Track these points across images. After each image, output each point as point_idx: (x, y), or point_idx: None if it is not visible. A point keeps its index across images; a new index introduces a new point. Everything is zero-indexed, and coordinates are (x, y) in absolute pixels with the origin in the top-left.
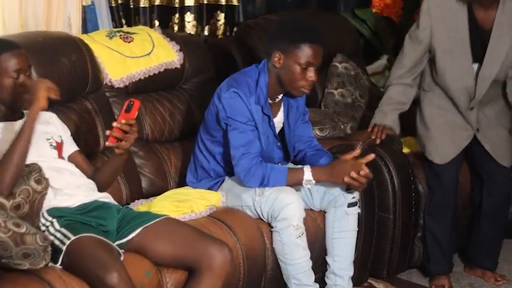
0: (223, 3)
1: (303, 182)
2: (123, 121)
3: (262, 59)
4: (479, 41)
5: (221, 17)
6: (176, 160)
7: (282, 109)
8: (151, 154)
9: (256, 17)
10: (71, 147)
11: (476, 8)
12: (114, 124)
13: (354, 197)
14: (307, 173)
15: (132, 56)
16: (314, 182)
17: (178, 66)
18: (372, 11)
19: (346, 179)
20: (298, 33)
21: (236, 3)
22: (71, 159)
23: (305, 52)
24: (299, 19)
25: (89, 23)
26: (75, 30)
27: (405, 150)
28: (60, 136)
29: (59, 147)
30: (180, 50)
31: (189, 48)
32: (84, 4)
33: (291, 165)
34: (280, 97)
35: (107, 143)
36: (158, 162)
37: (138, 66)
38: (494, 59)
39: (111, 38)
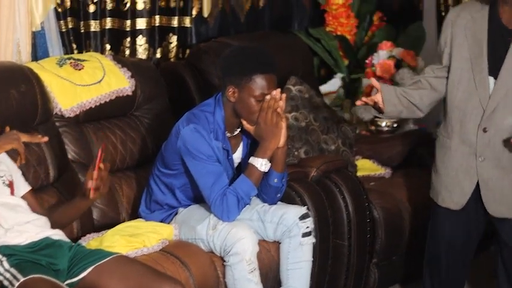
0: (176, 26)
1: (262, 170)
2: (101, 165)
3: (214, 83)
4: (502, 46)
5: (173, 39)
6: (128, 190)
7: (242, 145)
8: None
9: (209, 39)
10: (23, 188)
11: (502, 5)
12: (95, 175)
13: (308, 227)
14: (256, 162)
15: (82, 85)
16: (266, 160)
17: (130, 93)
18: (326, 30)
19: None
20: (249, 65)
21: (188, 25)
22: (25, 199)
23: (258, 84)
24: (249, 49)
25: (39, 49)
26: (25, 57)
27: (360, 173)
28: (11, 175)
29: (11, 185)
30: (132, 76)
31: (140, 75)
32: (33, 30)
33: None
34: (238, 130)
35: (92, 196)
36: (110, 192)
37: (88, 95)
38: None
39: (61, 65)
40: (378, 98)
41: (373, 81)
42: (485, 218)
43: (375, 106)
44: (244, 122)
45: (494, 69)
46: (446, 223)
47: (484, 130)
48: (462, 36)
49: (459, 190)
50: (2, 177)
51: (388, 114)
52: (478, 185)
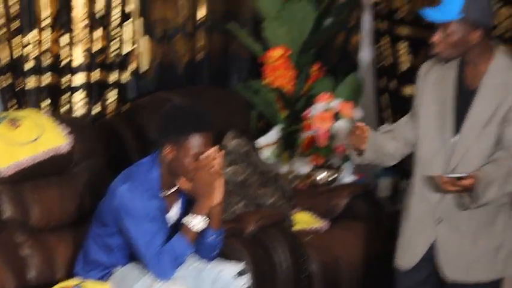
0: (114, 81)
1: (197, 228)
2: None
3: (152, 139)
4: (465, 106)
5: (112, 94)
6: (65, 248)
7: (178, 203)
8: (39, 243)
9: (148, 93)
10: None
11: (467, 64)
12: None
13: (245, 284)
14: (192, 220)
15: (18, 143)
16: (202, 217)
17: (67, 150)
18: (264, 82)
19: (211, 185)
20: (185, 125)
21: (127, 80)
22: None
23: (195, 143)
24: (184, 108)
25: None
26: None
27: (298, 227)
28: None
29: None
30: (70, 133)
31: (78, 131)
32: None
33: None
34: (174, 189)
35: None
36: (46, 251)
37: (25, 153)
38: (472, 126)
39: None
40: (362, 141)
41: (359, 125)
42: (437, 280)
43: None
44: (180, 181)
45: (457, 129)
46: (401, 283)
47: None
48: (430, 92)
49: (412, 250)
50: None
51: (364, 160)
52: (432, 246)
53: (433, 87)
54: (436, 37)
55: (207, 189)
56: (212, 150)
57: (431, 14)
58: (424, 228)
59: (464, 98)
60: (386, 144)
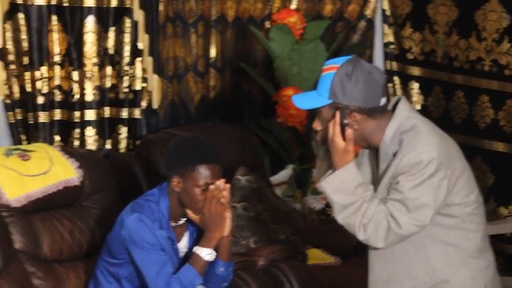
0: (125, 117)
1: (207, 259)
2: None
3: (163, 174)
4: None
5: (123, 130)
6: (76, 279)
7: (187, 234)
8: (50, 274)
9: (159, 130)
10: None
11: None
12: None
13: None
14: (201, 251)
15: (29, 175)
16: (211, 250)
17: (78, 183)
18: (276, 121)
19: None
20: (193, 156)
21: (138, 117)
22: None
23: (202, 174)
24: (192, 139)
25: None
26: None
27: (310, 262)
28: None
29: None
30: (80, 166)
31: (88, 165)
32: None
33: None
34: (183, 220)
35: None
36: (57, 282)
37: (35, 185)
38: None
39: (7, 156)
40: None
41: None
42: None
43: None
44: (188, 212)
45: None
46: None
47: None
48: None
49: None
50: None
51: None
52: None
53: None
54: (315, 124)
55: (214, 221)
56: (219, 182)
57: (301, 102)
58: None
59: None
60: None
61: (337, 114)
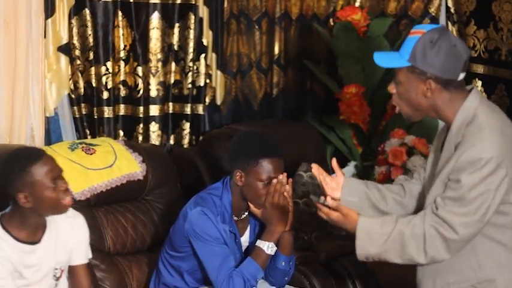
0: (189, 113)
1: (269, 253)
2: None
3: (226, 169)
4: None
5: (186, 126)
6: (138, 272)
7: (249, 228)
8: (113, 267)
9: (221, 126)
10: (78, 258)
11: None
12: None
13: None
14: (263, 245)
15: (93, 168)
16: (273, 243)
17: (141, 177)
18: (339, 118)
19: (281, 211)
20: (256, 150)
21: (202, 112)
22: (71, 271)
23: (265, 168)
24: (255, 134)
25: (52, 134)
26: (38, 142)
27: None
28: (69, 259)
29: (61, 274)
30: (143, 161)
31: (152, 159)
32: (47, 115)
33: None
34: (246, 214)
35: None
36: (120, 275)
37: (100, 179)
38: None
39: (72, 150)
40: (332, 181)
41: (333, 163)
42: None
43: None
44: (251, 205)
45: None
46: None
47: None
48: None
49: None
50: (56, 269)
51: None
52: None
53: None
54: (390, 86)
55: (276, 215)
56: (282, 176)
57: (381, 59)
58: None
59: None
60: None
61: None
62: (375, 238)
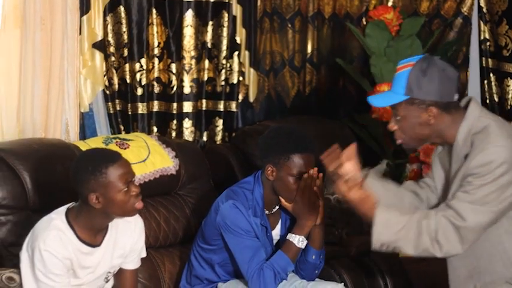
0: (222, 110)
1: (299, 246)
2: None
3: (259, 166)
4: None
5: (219, 123)
6: (170, 266)
7: (280, 222)
8: (146, 260)
9: (254, 123)
10: (132, 263)
11: None
12: None
13: None
14: (293, 238)
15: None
16: (303, 237)
17: (174, 172)
18: (371, 117)
19: (312, 205)
20: (287, 145)
21: (234, 110)
22: (120, 273)
23: (296, 163)
24: (286, 129)
25: (87, 129)
26: (73, 137)
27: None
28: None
29: (112, 276)
30: (176, 156)
31: (184, 155)
32: (82, 111)
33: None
34: (277, 208)
35: None
36: (153, 268)
37: (135, 172)
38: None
39: (107, 144)
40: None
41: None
42: None
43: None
44: (282, 200)
45: None
46: None
47: None
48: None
49: None
50: (109, 273)
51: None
52: None
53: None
54: (391, 124)
55: (307, 209)
56: (313, 171)
57: (377, 101)
58: None
59: None
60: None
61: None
62: (392, 225)
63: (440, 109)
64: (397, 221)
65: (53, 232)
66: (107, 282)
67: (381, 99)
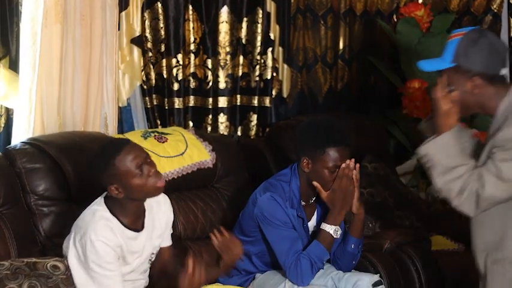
0: (256, 105)
1: (335, 236)
2: None
3: (293, 159)
4: None
5: (254, 118)
6: (208, 257)
7: (316, 213)
8: (184, 251)
9: (287, 118)
10: (167, 240)
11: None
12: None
13: None
14: (328, 228)
15: (166, 156)
16: (337, 227)
17: (211, 165)
18: (402, 113)
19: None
20: (323, 138)
21: (268, 105)
22: (159, 253)
23: (331, 156)
24: (322, 122)
25: (125, 123)
26: (111, 131)
27: (433, 248)
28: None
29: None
30: (213, 150)
31: (221, 149)
32: (120, 105)
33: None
34: (313, 199)
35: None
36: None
37: (171, 166)
38: None
39: (145, 138)
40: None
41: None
42: None
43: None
44: (317, 185)
45: None
46: None
47: None
48: None
49: None
50: (152, 254)
51: None
52: None
53: None
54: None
55: (342, 198)
56: (350, 162)
57: (425, 65)
58: None
59: None
60: None
61: (445, 77)
62: (448, 152)
63: (485, 80)
64: (454, 154)
65: (101, 222)
66: (150, 264)
67: (429, 64)
